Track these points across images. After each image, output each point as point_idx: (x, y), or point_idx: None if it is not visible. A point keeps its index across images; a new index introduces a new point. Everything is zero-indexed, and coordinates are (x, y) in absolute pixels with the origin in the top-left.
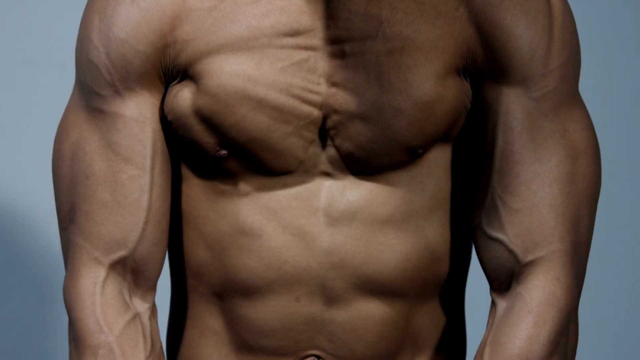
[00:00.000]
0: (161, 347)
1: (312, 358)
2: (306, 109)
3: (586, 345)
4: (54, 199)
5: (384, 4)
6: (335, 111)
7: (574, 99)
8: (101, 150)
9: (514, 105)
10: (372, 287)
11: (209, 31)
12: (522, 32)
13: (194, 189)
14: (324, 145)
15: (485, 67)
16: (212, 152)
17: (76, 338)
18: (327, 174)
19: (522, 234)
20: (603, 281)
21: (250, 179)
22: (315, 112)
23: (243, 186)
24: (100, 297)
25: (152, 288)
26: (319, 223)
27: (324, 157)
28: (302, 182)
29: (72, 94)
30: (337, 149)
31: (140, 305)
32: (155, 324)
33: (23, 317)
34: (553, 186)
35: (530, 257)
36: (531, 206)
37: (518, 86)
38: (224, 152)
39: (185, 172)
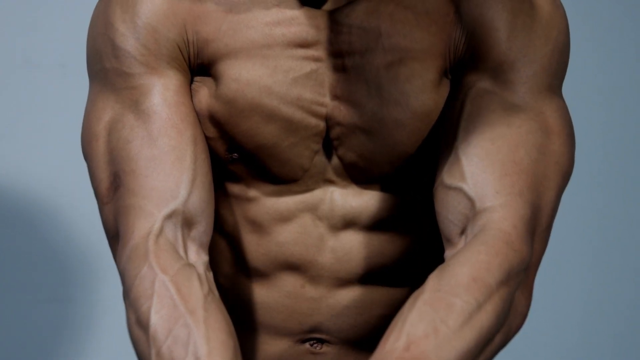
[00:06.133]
0: (219, 296)
1: (314, 342)
2: (313, 121)
3: (586, 344)
4: (91, 181)
5: (384, 16)
6: (339, 123)
7: (554, 93)
8: (141, 117)
9: (486, 84)
10: (377, 276)
11: (227, 34)
12: (502, 26)
13: None
14: (328, 155)
15: (466, 60)
16: (223, 154)
17: (130, 288)
18: (331, 182)
19: (482, 182)
20: (604, 282)
21: (257, 184)
22: (322, 125)
23: (250, 191)
24: (154, 245)
25: (205, 247)
26: (324, 227)
27: (328, 166)
28: (308, 189)
29: (92, 89)
30: (341, 158)
31: (195, 261)
32: (212, 278)
33: (23, 317)
34: (519, 148)
35: (488, 204)
36: (494, 160)
37: (494, 70)
38: (235, 155)
39: None
